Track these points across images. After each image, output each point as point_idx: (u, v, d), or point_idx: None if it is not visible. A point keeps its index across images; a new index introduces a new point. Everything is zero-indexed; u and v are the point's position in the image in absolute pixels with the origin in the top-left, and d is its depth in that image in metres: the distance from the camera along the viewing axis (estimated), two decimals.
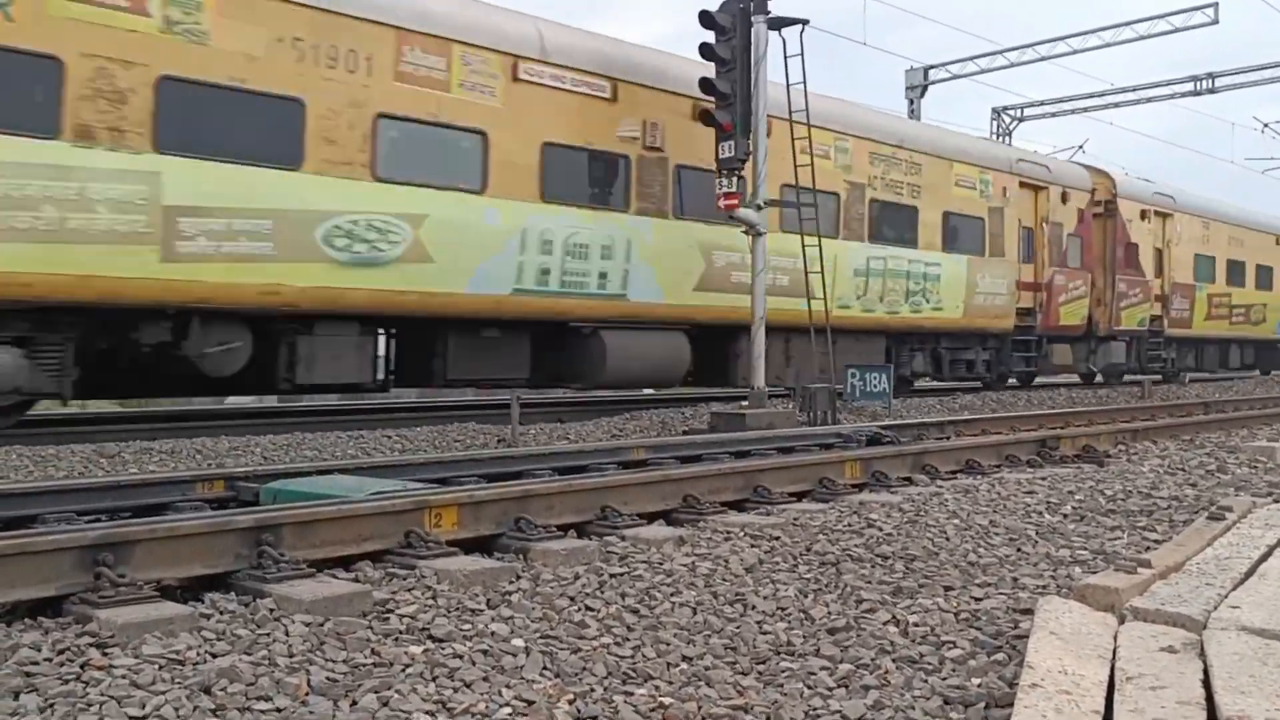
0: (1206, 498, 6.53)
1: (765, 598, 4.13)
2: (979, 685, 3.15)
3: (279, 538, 4.33)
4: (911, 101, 30.03)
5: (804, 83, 13.90)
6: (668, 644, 3.55)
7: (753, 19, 12.93)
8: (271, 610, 3.71)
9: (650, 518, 5.74)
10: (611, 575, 4.43)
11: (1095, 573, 4.37)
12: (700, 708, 3.00)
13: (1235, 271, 27.88)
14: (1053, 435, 9.73)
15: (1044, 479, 7.40)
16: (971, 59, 29.94)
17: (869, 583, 4.38)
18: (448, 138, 12.09)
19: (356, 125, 11.29)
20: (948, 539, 5.25)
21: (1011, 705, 2.75)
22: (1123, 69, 66.74)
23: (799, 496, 6.70)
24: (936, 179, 18.39)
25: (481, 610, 3.86)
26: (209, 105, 10.36)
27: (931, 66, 30.37)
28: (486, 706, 2.95)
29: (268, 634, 3.44)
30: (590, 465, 7.46)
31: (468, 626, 3.65)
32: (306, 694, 2.95)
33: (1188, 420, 12.80)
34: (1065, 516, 6.00)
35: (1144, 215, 23.83)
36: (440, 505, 4.99)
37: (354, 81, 11.26)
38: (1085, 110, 32.27)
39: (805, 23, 13.68)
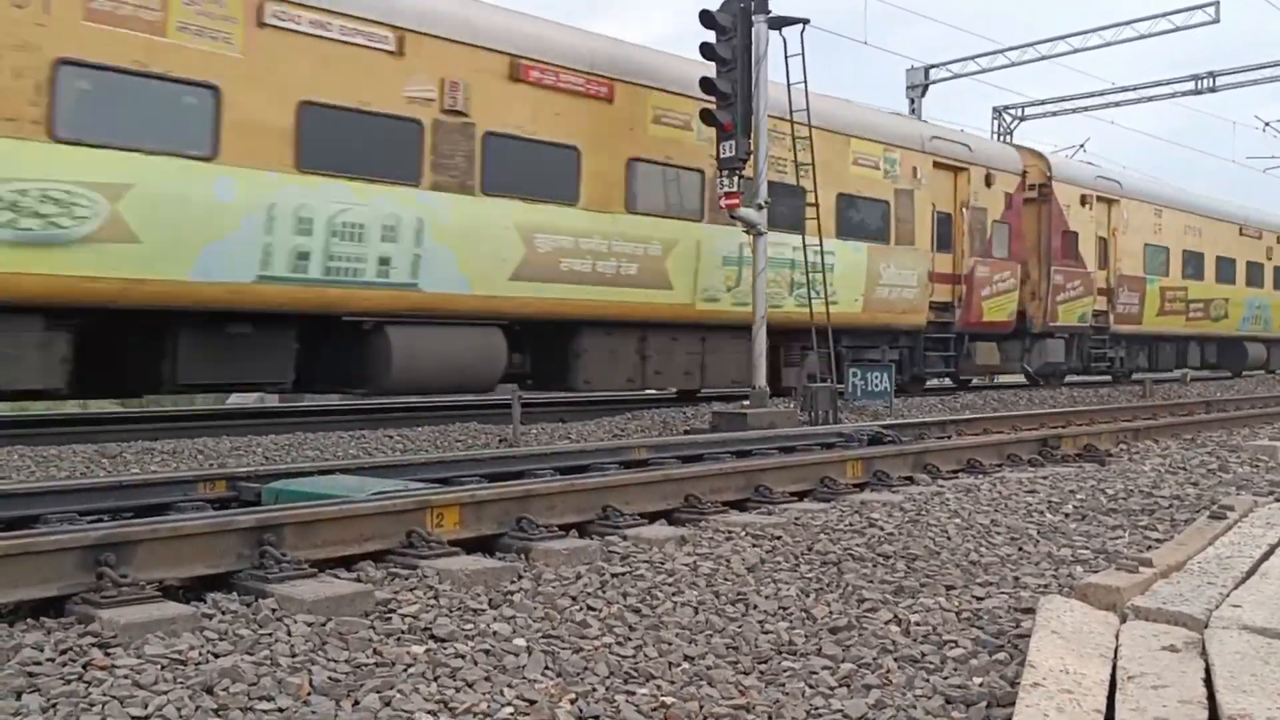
0: (1208, 497, 6.53)
1: (767, 597, 4.13)
2: (981, 684, 3.15)
3: (281, 538, 4.34)
4: (912, 101, 30.03)
5: (804, 82, 13.90)
6: (669, 643, 3.56)
7: (753, 19, 12.93)
8: (274, 610, 3.71)
9: (652, 517, 5.75)
10: (613, 575, 4.43)
11: (1097, 572, 4.38)
12: (702, 707, 3.00)
13: (1192, 263, 25.48)
14: (1054, 434, 9.73)
15: (1045, 478, 7.41)
16: (972, 58, 29.92)
17: (871, 582, 4.39)
18: (162, 91, 9.91)
19: (25, 72, 9.16)
20: (949, 538, 5.26)
21: (1013, 704, 2.76)
22: (1124, 68, 66.98)
23: (800, 496, 6.71)
24: (829, 156, 15.85)
25: (483, 610, 3.87)
26: None
27: (932, 66, 30.35)
28: (488, 706, 2.95)
29: (270, 634, 3.45)
30: (592, 465, 7.46)
31: (470, 626, 3.65)
32: (309, 694, 2.96)
33: (1189, 419, 12.80)
34: (1067, 516, 6.00)
35: (1084, 201, 21.63)
36: (442, 505, 4.99)
37: (22, 18, 9.13)
38: (1086, 109, 32.28)
39: (806, 22, 13.69)
